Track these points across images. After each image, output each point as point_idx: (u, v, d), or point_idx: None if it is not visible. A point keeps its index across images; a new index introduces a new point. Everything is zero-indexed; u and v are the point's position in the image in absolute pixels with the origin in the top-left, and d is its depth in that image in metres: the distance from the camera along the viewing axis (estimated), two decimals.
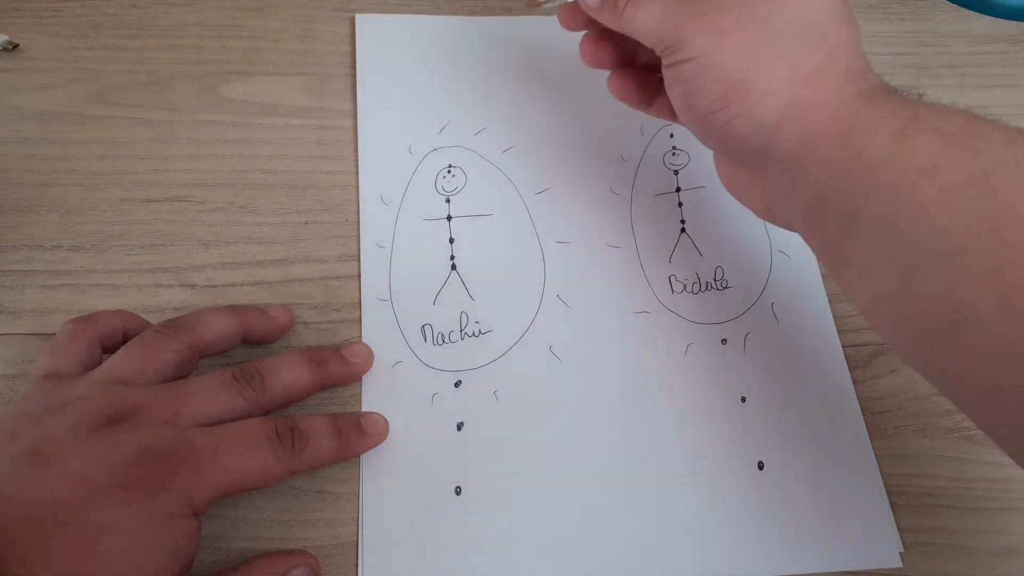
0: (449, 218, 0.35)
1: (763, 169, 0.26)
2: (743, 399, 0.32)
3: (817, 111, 0.24)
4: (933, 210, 0.21)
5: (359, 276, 0.33)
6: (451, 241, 0.35)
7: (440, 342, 0.32)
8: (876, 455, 0.31)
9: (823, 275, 0.35)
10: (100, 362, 0.27)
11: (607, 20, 0.27)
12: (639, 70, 0.30)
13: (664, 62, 0.26)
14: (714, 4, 0.25)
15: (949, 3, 0.45)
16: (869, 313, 0.24)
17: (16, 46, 0.38)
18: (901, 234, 0.21)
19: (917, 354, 0.23)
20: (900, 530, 0.29)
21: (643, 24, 0.26)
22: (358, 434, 0.29)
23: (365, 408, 0.30)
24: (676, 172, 0.37)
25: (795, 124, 0.24)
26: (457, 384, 0.31)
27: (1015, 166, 0.20)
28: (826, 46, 0.24)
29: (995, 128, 0.21)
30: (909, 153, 0.21)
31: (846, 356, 0.33)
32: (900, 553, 0.29)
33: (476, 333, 0.33)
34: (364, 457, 0.29)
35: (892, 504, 0.30)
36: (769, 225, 0.34)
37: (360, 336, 0.32)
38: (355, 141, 0.37)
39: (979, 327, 0.20)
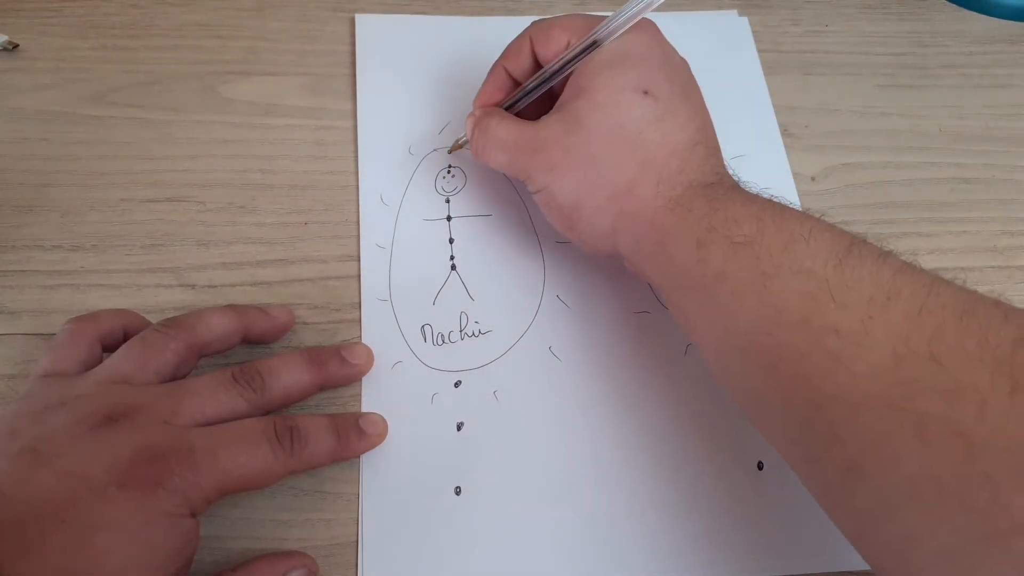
0: (449, 218, 0.35)
1: (626, 263, 0.29)
2: None
3: (637, 221, 0.27)
4: (727, 312, 0.24)
5: (359, 276, 0.33)
6: (451, 241, 0.35)
7: (440, 342, 0.32)
8: None
9: None
10: (100, 361, 0.27)
11: (480, 161, 0.32)
12: None
13: (530, 191, 0.30)
14: (544, 140, 0.29)
15: (949, 3, 0.45)
16: (717, 381, 0.27)
17: (16, 46, 0.38)
18: (711, 327, 0.25)
19: (747, 415, 0.26)
20: None
21: (498, 165, 0.31)
22: (357, 435, 0.29)
23: (365, 408, 0.31)
24: None
25: (625, 232, 0.28)
26: (457, 384, 0.31)
27: (788, 273, 0.23)
28: (637, 155, 0.27)
29: (779, 231, 0.24)
30: (706, 261, 0.25)
31: None
32: None
33: (476, 333, 0.33)
34: (364, 457, 0.29)
35: None
36: None
37: (360, 336, 0.32)
38: (355, 141, 0.37)
39: (769, 412, 0.24)
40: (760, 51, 0.42)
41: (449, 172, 0.36)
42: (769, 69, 0.41)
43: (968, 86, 0.42)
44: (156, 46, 0.39)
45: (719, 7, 0.43)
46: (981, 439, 0.18)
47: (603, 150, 0.27)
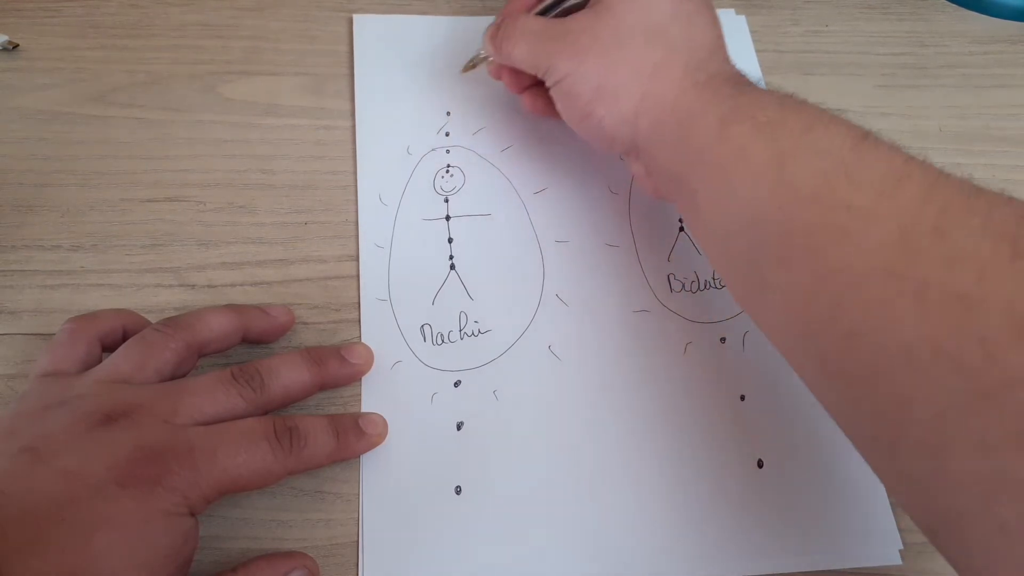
0: (448, 218, 0.35)
1: (639, 155, 0.30)
2: (742, 397, 0.32)
3: (661, 102, 0.28)
4: (741, 187, 0.25)
5: (358, 276, 0.33)
6: (450, 241, 0.35)
7: (439, 342, 0.32)
8: None
9: None
10: (100, 361, 0.27)
11: (499, 59, 0.34)
12: (546, 89, 0.33)
13: (546, 85, 0.31)
14: (571, 29, 0.30)
15: (949, 3, 0.45)
16: (717, 269, 0.28)
17: (16, 46, 0.38)
18: (723, 206, 0.26)
19: (742, 302, 0.27)
20: (900, 530, 0.29)
21: (519, 57, 0.32)
22: (356, 435, 0.29)
23: (365, 408, 0.31)
24: None
25: (647, 114, 0.28)
26: (457, 384, 0.31)
27: (805, 152, 0.23)
28: (666, 42, 0.28)
29: (801, 115, 0.25)
30: (727, 139, 0.25)
31: None
32: (900, 551, 0.29)
33: (475, 333, 0.33)
34: (364, 457, 0.29)
35: (892, 504, 0.30)
36: None
37: (359, 336, 0.32)
38: (354, 141, 0.37)
39: (771, 288, 0.24)
40: (760, 51, 0.42)
41: (448, 171, 0.36)
42: (769, 69, 0.41)
43: (968, 86, 0.42)
44: (156, 46, 0.39)
45: (718, 6, 0.43)
46: (978, 301, 0.18)
47: (631, 34, 0.29)
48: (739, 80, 0.28)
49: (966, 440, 0.18)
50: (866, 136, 0.23)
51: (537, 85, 0.34)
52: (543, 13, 0.33)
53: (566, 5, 0.32)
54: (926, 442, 0.19)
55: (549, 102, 0.33)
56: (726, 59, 0.29)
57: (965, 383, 0.18)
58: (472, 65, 0.36)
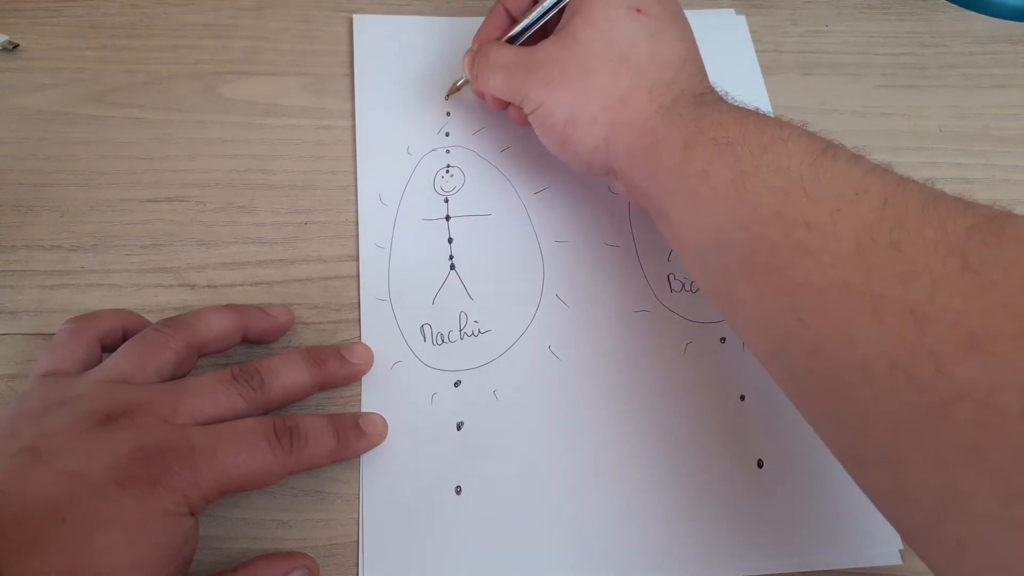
0: (448, 218, 0.35)
1: (616, 176, 0.31)
2: (742, 397, 0.32)
3: (629, 129, 0.29)
4: (706, 208, 0.25)
5: (358, 276, 0.33)
6: (450, 241, 0.35)
7: (439, 342, 0.32)
8: None
9: None
10: (100, 361, 0.27)
11: (477, 88, 0.35)
12: None
13: (524, 112, 0.32)
14: (540, 60, 0.30)
15: (949, 3, 0.45)
16: (697, 283, 0.29)
17: (16, 46, 0.38)
18: (692, 226, 0.26)
19: (722, 315, 0.28)
20: None
21: (495, 88, 0.33)
22: (356, 435, 0.29)
23: (365, 408, 0.31)
24: None
25: (618, 141, 0.29)
26: (457, 384, 0.31)
27: (765, 171, 0.24)
28: (631, 66, 0.29)
29: (761, 133, 0.25)
30: (690, 161, 0.26)
31: None
32: (900, 551, 0.29)
33: (475, 333, 0.33)
34: (364, 457, 0.29)
35: None
36: None
37: (359, 336, 0.32)
38: (354, 141, 0.37)
39: (740, 305, 0.25)
40: (760, 51, 0.42)
41: (448, 171, 0.36)
42: (769, 69, 0.41)
43: (968, 86, 0.42)
44: (156, 46, 0.39)
45: (718, 6, 0.43)
46: (930, 315, 0.19)
47: (598, 63, 0.29)
48: (704, 99, 0.28)
49: (920, 454, 0.19)
50: (825, 150, 0.24)
51: None
52: (513, 40, 0.33)
53: (534, 30, 0.33)
54: (886, 456, 0.20)
55: None
56: (694, 73, 0.29)
57: (918, 397, 0.19)
58: (456, 89, 0.37)
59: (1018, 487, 0.17)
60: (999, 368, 0.17)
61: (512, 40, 0.33)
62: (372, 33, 0.40)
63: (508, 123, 0.38)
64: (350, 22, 0.41)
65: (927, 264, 0.19)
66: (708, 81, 0.30)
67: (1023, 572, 0.17)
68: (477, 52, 0.34)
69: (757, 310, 0.24)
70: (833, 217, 0.22)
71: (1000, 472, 0.17)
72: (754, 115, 0.26)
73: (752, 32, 0.43)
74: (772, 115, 0.26)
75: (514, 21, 0.34)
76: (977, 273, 0.18)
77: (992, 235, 0.19)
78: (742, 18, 0.43)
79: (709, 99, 0.28)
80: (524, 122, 0.34)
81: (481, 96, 0.36)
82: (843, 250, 0.21)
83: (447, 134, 0.38)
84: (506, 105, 0.35)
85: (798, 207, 0.23)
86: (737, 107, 0.27)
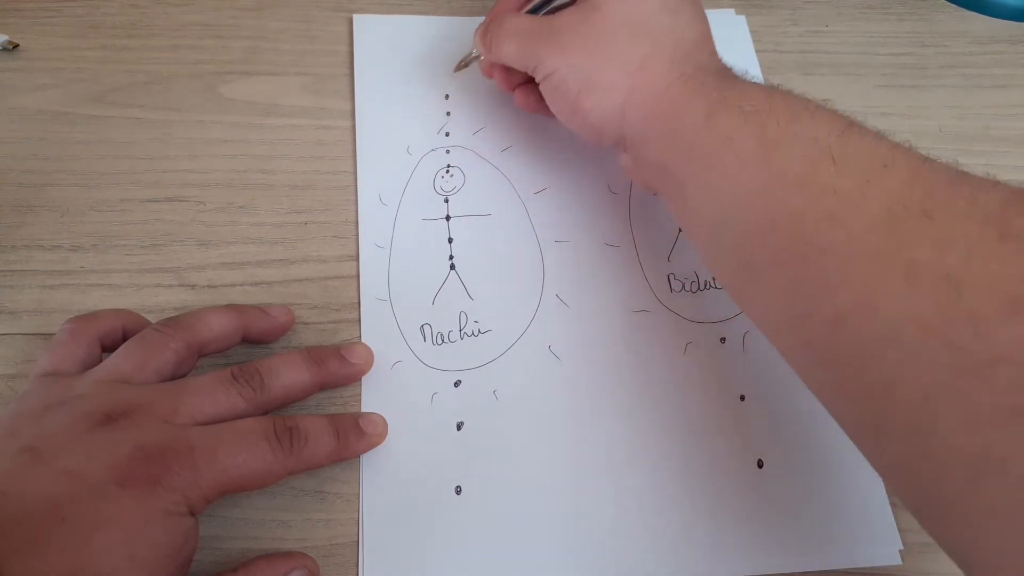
0: (448, 218, 0.35)
1: (628, 148, 0.31)
2: (742, 397, 0.32)
3: (649, 95, 0.28)
4: (730, 178, 0.25)
5: (358, 276, 0.33)
6: (450, 241, 0.35)
7: (439, 342, 0.32)
8: None
9: None
10: (100, 361, 0.27)
11: (489, 57, 0.34)
12: (537, 86, 0.33)
13: (536, 80, 0.32)
14: (558, 26, 0.30)
15: (949, 3, 0.45)
16: (705, 260, 0.29)
17: (16, 46, 0.38)
18: (711, 196, 0.26)
19: (731, 291, 0.28)
20: (900, 530, 0.29)
21: (508, 55, 0.33)
22: (356, 435, 0.29)
23: (365, 408, 0.31)
24: None
25: (635, 107, 0.29)
26: (457, 384, 0.31)
27: (792, 140, 0.24)
28: (652, 36, 0.29)
29: (787, 105, 0.25)
30: (714, 129, 0.26)
31: None
32: (900, 551, 0.29)
33: (475, 333, 0.33)
34: (364, 457, 0.29)
35: (892, 504, 0.30)
36: None
37: (359, 336, 0.32)
38: (354, 141, 0.37)
39: (757, 276, 0.25)
40: (760, 51, 0.42)
41: (448, 171, 0.36)
42: (769, 69, 0.41)
43: (968, 86, 0.42)
44: (156, 46, 0.39)
45: (718, 6, 0.43)
46: (967, 279, 0.18)
47: (617, 31, 0.29)
48: (725, 73, 0.28)
49: (953, 418, 0.18)
50: (851, 125, 0.24)
51: (528, 82, 0.35)
52: (532, 12, 0.33)
53: (555, 4, 0.33)
54: (913, 421, 0.20)
55: (541, 99, 0.33)
56: (712, 52, 0.30)
57: (953, 360, 0.18)
58: (464, 64, 0.37)
59: None
60: None
61: (532, 12, 0.33)
62: (372, 33, 0.40)
63: (508, 123, 0.38)
64: (350, 22, 0.41)
65: (963, 231, 0.19)
66: (725, 63, 0.30)
67: None
68: (492, 20, 0.34)
69: (778, 280, 0.24)
70: (862, 187, 0.22)
71: None
72: (778, 90, 0.26)
73: (752, 32, 0.43)
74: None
75: (528, 1, 0.34)
76: (1018, 239, 0.18)
77: None
78: (742, 18, 0.43)
79: (730, 74, 0.28)
80: (530, 105, 0.34)
81: (490, 73, 0.36)
82: (873, 219, 0.21)
83: (447, 134, 0.38)
84: (515, 83, 0.35)
85: (826, 176, 0.22)
86: (759, 82, 0.27)
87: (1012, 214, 0.19)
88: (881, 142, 0.23)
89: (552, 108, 0.32)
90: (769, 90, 0.26)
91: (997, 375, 0.17)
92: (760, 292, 0.25)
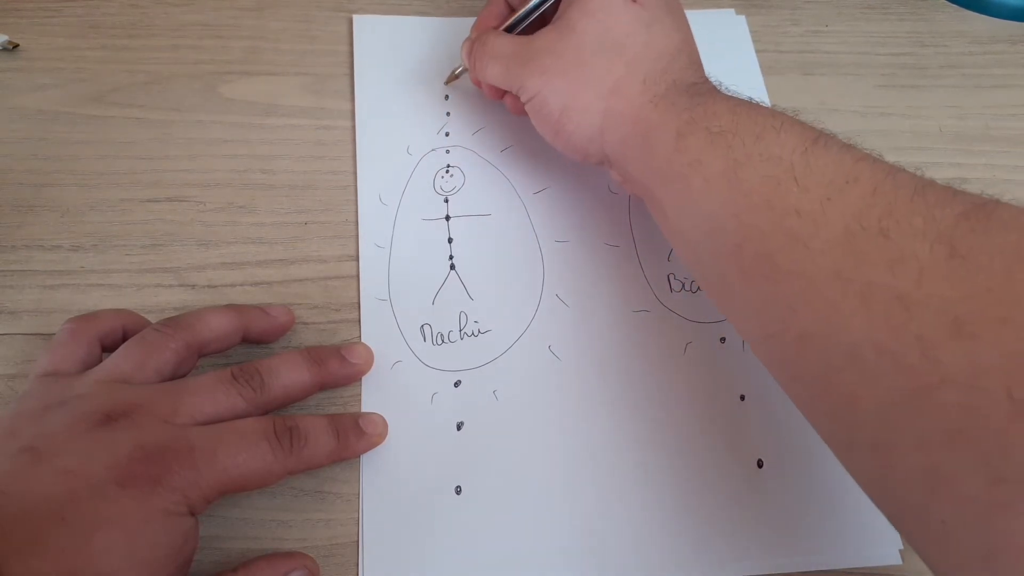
0: (448, 218, 0.35)
1: (611, 166, 0.31)
2: (742, 397, 0.32)
3: (623, 119, 0.29)
4: (699, 198, 0.26)
5: (358, 276, 0.33)
6: (450, 241, 0.35)
7: (439, 342, 0.32)
8: None
9: None
10: (100, 361, 0.27)
11: (475, 76, 0.35)
12: None
13: (521, 101, 0.32)
14: (538, 50, 0.31)
15: (949, 3, 0.45)
16: (691, 274, 0.29)
17: (16, 46, 0.38)
18: (685, 218, 0.27)
19: (715, 304, 0.28)
20: None
21: (492, 77, 0.33)
22: (356, 435, 0.29)
23: (365, 408, 0.31)
24: None
25: (612, 130, 0.29)
26: (457, 384, 0.31)
27: (758, 160, 0.24)
28: (625, 56, 0.29)
29: (754, 122, 0.25)
30: (683, 151, 0.26)
31: None
32: (900, 551, 0.29)
33: (475, 333, 0.33)
34: (364, 457, 0.29)
35: None
36: None
37: (359, 336, 0.32)
38: (354, 141, 0.37)
39: (733, 293, 0.25)
40: (760, 51, 0.42)
41: (448, 171, 0.36)
42: (769, 69, 0.41)
43: (968, 86, 0.42)
44: (156, 46, 0.39)
45: (718, 6, 0.43)
46: (917, 301, 0.19)
47: (593, 53, 0.29)
48: (697, 88, 0.28)
49: (907, 437, 0.19)
50: (816, 139, 0.24)
51: None
52: (509, 30, 0.34)
53: (531, 19, 0.34)
54: (874, 440, 0.20)
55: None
56: (688, 64, 0.30)
57: (905, 382, 0.19)
58: (454, 76, 0.38)
59: (1001, 469, 0.17)
60: (983, 352, 0.18)
61: (510, 29, 0.34)
62: (372, 33, 0.40)
63: (508, 123, 0.38)
64: (350, 22, 0.41)
65: (915, 251, 0.20)
66: (703, 72, 0.30)
67: (1007, 552, 0.17)
68: (475, 40, 0.34)
69: (748, 298, 0.24)
70: (823, 205, 0.22)
71: (984, 455, 0.17)
72: (747, 104, 0.26)
73: (752, 32, 0.43)
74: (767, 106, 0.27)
75: (512, 10, 0.34)
76: (964, 259, 0.19)
77: (980, 222, 0.19)
78: (742, 18, 0.43)
79: (702, 89, 0.28)
80: (521, 111, 0.34)
81: (479, 84, 0.36)
82: (833, 238, 0.21)
83: (447, 134, 0.38)
84: (503, 94, 0.35)
85: (789, 196, 0.23)
86: (730, 96, 0.27)
87: (963, 231, 0.19)
88: (846, 155, 0.23)
89: (537, 128, 0.33)
90: (735, 106, 0.26)
91: (942, 396, 0.18)
92: (737, 308, 0.26)
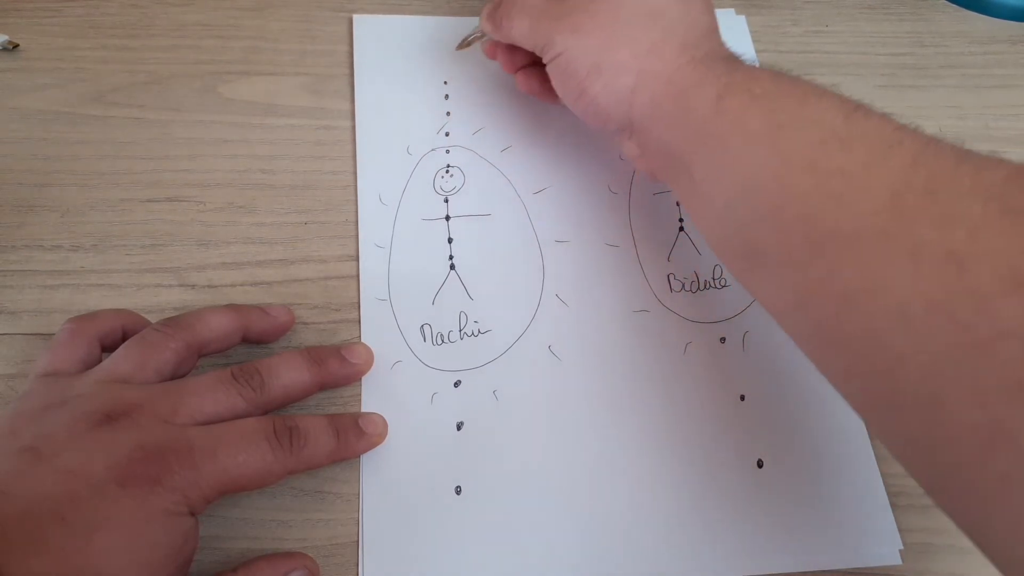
0: (448, 218, 0.35)
1: (634, 134, 0.31)
2: (742, 397, 0.32)
3: (659, 78, 0.29)
4: (739, 159, 0.25)
5: (358, 276, 0.33)
6: (450, 241, 0.35)
7: (439, 342, 0.32)
8: (876, 454, 0.31)
9: None
10: (99, 361, 0.27)
11: (498, 36, 0.34)
12: (540, 69, 0.34)
13: (544, 61, 0.32)
14: (570, 8, 0.30)
15: (949, 3, 0.45)
16: (712, 246, 0.29)
17: (16, 46, 0.38)
18: (719, 178, 0.26)
19: (738, 276, 0.28)
20: (900, 530, 0.29)
21: (518, 33, 0.33)
22: (356, 434, 0.29)
23: (365, 408, 0.31)
24: None
25: (644, 90, 0.29)
26: (457, 384, 0.31)
27: (800, 123, 0.24)
28: (663, 23, 0.29)
29: (795, 89, 0.25)
30: (725, 111, 0.26)
31: None
32: (900, 551, 0.29)
33: (475, 333, 0.33)
34: (364, 457, 0.29)
35: (892, 504, 0.30)
36: None
37: (359, 336, 0.32)
38: (354, 141, 0.37)
39: (765, 259, 0.25)
40: (760, 51, 0.42)
41: (448, 171, 0.36)
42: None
43: (968, 86, 0.42)
44: (156, 46, 0.39)
45: (718, 6, 0.43)
46: (969, 257, 0.19)
47: (630, 14, 0.29)
48: (734, 58, 0.29)
49: (961, 392, 0.19)
50: (858, 107, 0.24)
51: (531, 65, 0.35)
52: None
53: None
54: (922, 397, 0.20)
55: (543, 82, 0.34)
56: (721, 42, 0.30)
57: (958, 336, 0.19)
58: (467, 43, 0.37)
59: None
60: None
61: None
62: (372, 33, 0.40)
63: (508, 123, 0.38)
64: (350, 22, 0.41)
65: (966, 209, 0.19)
66: (733, 51, 0.30)
67: None
68: (501, 0, 0.34)
69: (784, 262, 0.24)
70: (868, 167, 0.22)
71: None
72: (786, 75, 0.27)
73: (752, 32, 0.43)
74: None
75: None
76: (1019, 214, 0.19)
77: None
78: (742, 18, 0.43)
79: (739, 60, 0.29)
80: (531, 90, 0.34)
81: (493, 55, 0.36)
82: (878, 198, 0.21)
83: (447, 134, 0.38)
84: (518, 67, 0.35)
85: (832, 157, 0.23)
86: (767, 68, 0.28)
87: (1014, 190, 0.19)
88: (887, 123, 0.23)
89: (558, 90, 0.32)
90: (776, 74, 0.27)
91: (1001, 350, 0.18)
92: (768, 275, 0.25)
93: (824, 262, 0.22)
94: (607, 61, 0.29)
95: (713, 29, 0.30)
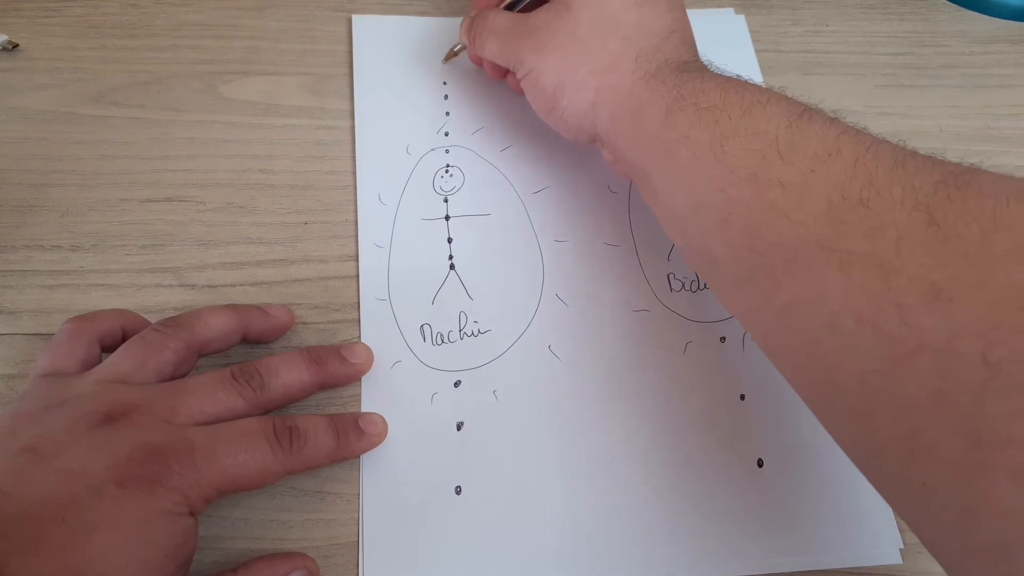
0: (447, 218, 0.35)
1: (603, 144, 0.32)
2: (742, 397, 0.32)
3: (615, 95, 0.29)
4: (686, 173, 0.26)
5: (358, 276, 0.33)
6: (449, 241, 0.35)
7: (439, 342, 0.32)
8: None
9: None
10: (99, 361, 0.27)
11: (474, 51, 0.36)
12: None
13: (517, 77, 0.33)
14: (535, 27, 0.32)
15: (949, 3, 0.45)
16: (683, 254, 0.29)
17: (16, 46, 0.38)
18: (674, 194, 0.27)
19: (705, 280, 0.29)
20: (900, 530, 0.29)
21: (490, 52, 0.34)
22: (356, 434, 0.29)
23: (365, 408, 0.31)
24: None
25: (603, 107, 0.30)
26: (456, 384, 0.31)
27: (743, 134, 0.24)
28: (619, 33, 0.30)
29: (741, 98, 0.25)
30: (672, 126, 0.27)
31: None
32: (900, 550, 0.29)
33: (475, 333, 0.33)
34: (364, 457, 0.29)
35: None
36: None
37: (359, 336, 0.32)
38: (354, 141, 0.37)
39: (719, 268, 0.26)
40: (760, 51, 0.42)
41: (447, 171, 0.36)
42: (769, 69, 0.41)
43: (968, 86, 0.42)
44: (156, 46, 0.39)
45: (718, 6, 0.43)
46: (895, 269, 0.19)
47: (588, 30, 0.30)
48: (687, 67, 0.29)
49: (887, 404, 0.19)
50: (802, 114, 0.24)
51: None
52: (509, 8, 0.34)
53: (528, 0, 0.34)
54: (856, 408, 0.20)
55: None
56: (680, 43, 0.30)
57: (884, 349, 0.19)
58: (453, 54, 0.39)
59: (978, 432, 0.17)
60: (959, 316, 0.18)
61: (510, 7, 0.34)
62: (372, 33, 0.40)
63: (507, 123, 0.38)
64: (350, 22, 0.41)
65: (894, 220, 0.20)
66: (695, 51, 0.30)
67: (985, 513, 0.17)
68: (475, 17, 0.35)
69: (734, 271, 0.25)
70: (806, 177, 0.22)
71: (962, 418, 0.17)
72: (735, 81, 0.27)
73: (752, 32, 0.43)
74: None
75: None
76: (940, 227, 0.19)
77: (957, 190, 0.20)
78: (742, 18, 0.43)
79: (692, 67, 0.28)
80: (521, 91, 0.34)
81: (478, 62, 0.37)
82: (815, 209, 0.22)
83: (446, 134, 0.38)
84: (504, 73, 0.36)
85: (773, 168, 0.23)
86: (719, 75, 0.28)
87: (941, 198, 0.20)
88: (830, 129, 0.23)
89: (532, 105, 0.33)
90: (724, 83, 0.27)
91: (921, 361, 0.18)
92: (723, 284, 0.26)
93: (768, 272, 0.23)
94: (569, 80, 0.30)
95: (672, 30, 0.30)
